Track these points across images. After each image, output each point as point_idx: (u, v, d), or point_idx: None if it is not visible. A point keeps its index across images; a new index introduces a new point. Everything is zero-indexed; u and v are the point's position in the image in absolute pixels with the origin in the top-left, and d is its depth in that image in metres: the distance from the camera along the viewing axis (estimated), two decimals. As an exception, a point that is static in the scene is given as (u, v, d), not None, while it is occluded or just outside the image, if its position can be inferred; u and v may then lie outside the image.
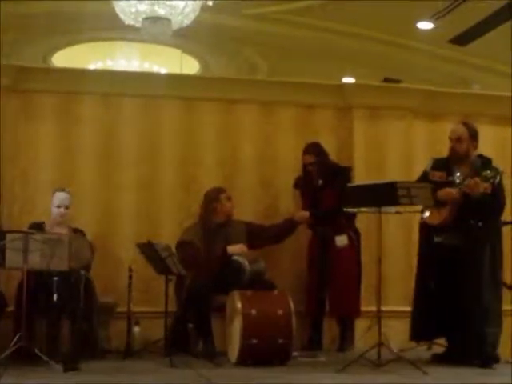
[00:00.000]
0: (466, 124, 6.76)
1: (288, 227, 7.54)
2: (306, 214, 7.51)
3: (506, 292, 7.07)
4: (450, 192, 6.52)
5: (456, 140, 6.70)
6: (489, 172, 6.35)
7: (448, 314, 6.56)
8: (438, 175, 6.66)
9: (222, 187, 7.48)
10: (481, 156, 6.74)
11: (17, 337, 6.08)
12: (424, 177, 6.75)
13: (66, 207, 7.08)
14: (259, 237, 7.43)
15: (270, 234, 7.49)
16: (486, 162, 6.65)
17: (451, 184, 6.59)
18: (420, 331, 6.77)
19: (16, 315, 6.42)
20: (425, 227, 6.76)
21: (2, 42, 13.48)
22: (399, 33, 13.08)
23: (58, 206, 7.06)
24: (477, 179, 6.34)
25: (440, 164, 6.78)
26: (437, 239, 6.62)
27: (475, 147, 6.73)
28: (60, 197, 7.07)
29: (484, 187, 6.30)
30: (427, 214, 6.69)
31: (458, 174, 6.63)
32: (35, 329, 6.62)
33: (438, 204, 6.54)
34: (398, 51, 13.69)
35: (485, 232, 6.53)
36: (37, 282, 6.33)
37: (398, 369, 6.12)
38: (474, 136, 6.72)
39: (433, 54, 13.66)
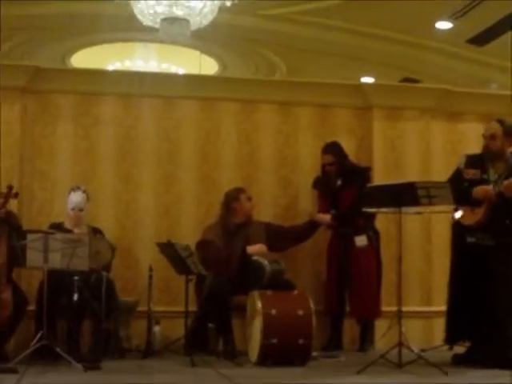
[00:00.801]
0: (500, 121, 6.61)
1: (308, 229, 7.53)
2: (327, 217, 7.49)
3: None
4: (487, 190, 6.41)
5: (490, 137, 6.57)
6: None
7: (476, 315, 6.49)
8: (471, 173, 6.54)
9: (242, 187, 7.48)
10: None
11: (38, 336, 6.11)
12: (457, 174, 6.62)
13: (80, 209, 7.06)
14: (279, 238, 7.42)
15: (289, 236, 7.49)
16: None
17: (486, 182, 6.49)
18: (455, 333, 6.67)
19: (37, 314, 6.43)
20: (457, 227, 6.64)
21: (21, 43, 13.59)
22: (418, 33, 13.03)
23: (72, 209, 7.06)
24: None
25: (474, 161, 6.64)
26: (470, 239, 6.52)
27: (510, 144, 6.60)
28: (74, 199, 7.05)
29: None
30: (460, 213, 6.59)
31: (493, 171, 6.52)
32: (56, 328, 6.64)
33: (472, 203, 6.45)
34: (417, 51, 13.65)
35: None
36: (58, 281, 6.35)
37: (419, 369, 6.10)
38: (509, 133, 6.57)
39: (451, 53, 13.61)
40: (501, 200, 6.37)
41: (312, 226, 7.53)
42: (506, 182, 6.33)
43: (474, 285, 6.47)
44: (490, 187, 6.42)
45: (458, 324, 6.62)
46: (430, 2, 11.60)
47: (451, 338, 6.73)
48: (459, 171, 6.64)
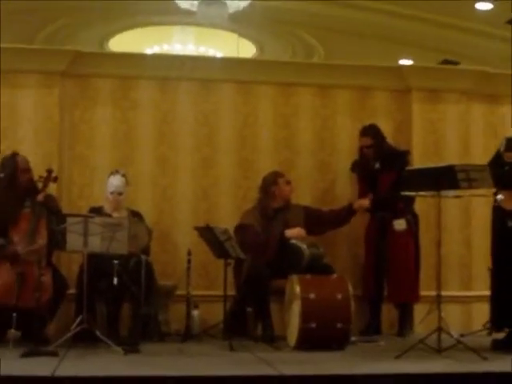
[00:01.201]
0: None
1: (346, 214, 7.50)
2: (366, 202, 7.45)
3: None
4: None
5: None
6: None
7: None
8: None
9: (280, 171, 7.47)
10: None
11: (78, 319, 6.17)
12: (497, 157, 6.57)
13: (119, 193, 7.12)
14: (318, 222, 7.40)
15: (328, 220, 7.46)
16: None
17: None
18: (501, 320, 6.58)
19: (77, 298, 6.51)
20: (498, 211, 6.58)
21: (60, 27, 13.66)
22: (457, 14, 12.90)
23: (112, 193, 7.11)
24: None
25: None
26: (510, 224, 6.47)
27: None
28: (113, 182, 7.11)
29: None
30: (501, 197, 6.54)
31: None
32: (96, 311, 6.72)
33: None
34: (456, 33, 13.51)
35: None
36: (97, 265, 6.40)
37: (458, 354, 6.05)
38: None
39: (491, 35, 13.45)
40: None
41: (350, 211, 7.49)
42: None
43: None
44: None
45: (503, 310, 6.55)
46: (470, -18, 11.51)
47: (497, 325, 6.66)
48: (499, 154, 6.57)
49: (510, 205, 6.46)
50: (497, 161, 6.53)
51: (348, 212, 7.50)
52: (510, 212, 6.47)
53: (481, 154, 7.69)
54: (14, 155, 6.76)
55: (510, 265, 6.43)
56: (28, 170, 6.77)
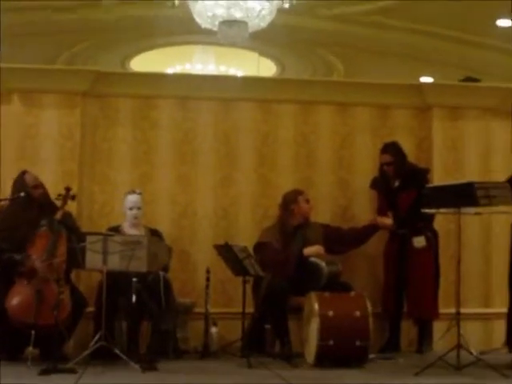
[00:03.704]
0: None
1: (368, 232, 7.49)
2: (389, 221, 7.44)
3: None
4: None
5: None
6: None
7: None
8: None
9: (300, 189, 7.48)
10: None
11: (97, 336, 6.19)
12: None
13: (139, 208, 7.19)
14: (337, 241, 7.38)
15: (348, 239, 7.44)
16: None
17: None
18: None
19: (96, 315, 6.54)
20: None
21: (83, 49, 13.77)
22: (478, 31, 12.84)
23: (131, 208, 7.17)
24: None
25: None
26: None
27: None
28: (132, 199, 7.18)
29: None
30: None
31: None
32: (115, 329, 6.74)
33: None
34: (477, 50, 13.46)
35: None
36: (116, 282, 6.42)
37: (478, 372, 6.02)
38: None
39: (512, 51, 13.41)
40: None
41: (372, 230, 7.48)
42: None
43: None
44: None
45: None
46: (490, -1, 11.46)
47: None
48: None
49: None
50: None
51: (369, 231, 7.48)
52: None
53: (502, 172, 7.63)
54: (23, 173, 6.83)
55: None
56: (38, 185, 6.81)
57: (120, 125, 7.82)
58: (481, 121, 8.16)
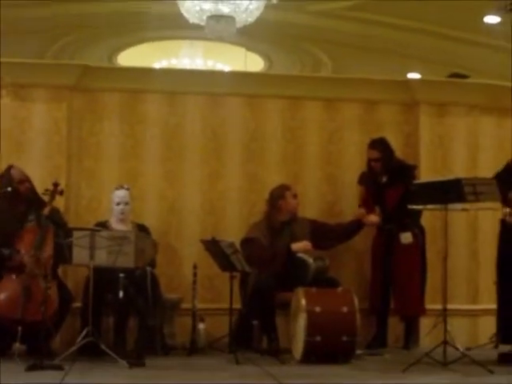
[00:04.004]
0: None
1: (354, 228, 7.49)
2: (376, 218, 7.44)
3: None
4: None
5: None
6: None
7: None
8: None
9: (287, 184, 7.47)
10: None
11: (84, 332, 6.18)
12: (506, 170, 6.56)
13: (126, 203, 7.17)
14: (324, 236, 7.38)
15: (335, 234, 7.45)
16: None
17: None
18: (508, 332, 6.58)
19: (83, 311, 6.53)
20: (505, 224, 6.58)
21: (70, 42, 13.73)
22: (465, 27, 12.87)
23: (118, 204, 7.15)
24: None
25: None
26: None
27: None
28: (119, 194, 7.16)
29: None
30: (507, 209, 6.52)
31: None
32: (102, 325, 6.73)
33: None
34: (465, 46, 13.50)
35: None
36: (103, 278, 6.40)
37: (464, 368, 6.04)
38: None
39: (500, 48, 13.42)
40: None
41: (358, 226, 7.48)
42: None
43: None
44: None
45: (509, 324, 6.53)
46: (478, -5, 11.50)
47: (503, 339, 6.65)
48: (509, 166, 6.55)
49: None
50: (505, 173, 6.51)
51: (355, 227, 7.49)
52: None
53: (489, 168, 7.64)
54: (9, 168, 6.80)
55: None
56: (25, 180, 6.78)
57: (107, 119, 7.79)
58: (468, 117, 8.17)
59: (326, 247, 7.41)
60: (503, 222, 6.65)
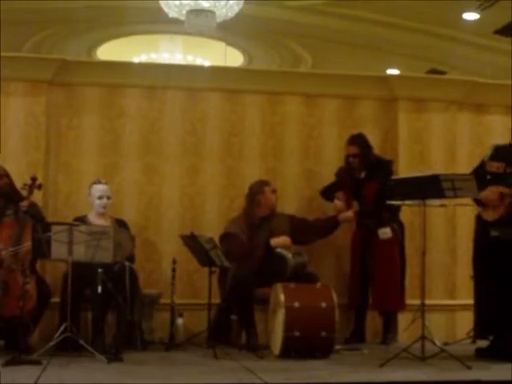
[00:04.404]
0: None
1: (332, 224, 7.50)
2: (350, 214, 7.45)
3: None
4: (489, 196, 6.41)
5: None
6: None
7: (502, 309, 6.43)
8: (495, 166, 6.47)
9: (266, 180, 7.47)
10: None
11: (62, 328, 6.16)
12: (481, 167, 6.60)
13: (108, 197, 7.15)
14: (303, 232, 7.39)
15: (313, 230, 7.45)
16: None
17: (509, 176, 6.45)
18: (485, 328, 6.62)
19: (61, 306, 6.51)
20: (481, 220, 6.60)
21: (49, 36, 13.67)
22: (444, 24, 12.95)
23: (100, 197, 7.12)
24: None
25: (502, 152, 6.56)
26: (494, 233, 6.45)
27: None
28: (100, 188, 7.13)
29: None
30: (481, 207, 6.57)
31: None
32: (80, 320, 6.71)
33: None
34: (444, 42, 13.56)
35: None
36: (81, 273, 6.38)
37: (442, 363, 6.07)
38: None
39: (478, 45, 13.51)
40: None
41: (335, 223, 7.49)
42: None
43: (499, 279, 6.42)
44: (499, 191, 6.35)
45: (486, 319, 6.58)
46: (456, -7, 11.57)
47: (481, 333, 6.70)
48: (483, 163, 6.58)
49: (490, 216, 6.48)
50: (480, 170, 6.54)
51: (333, 223, 7.50)
52: (491, 222, 6.48)
53: (467, 164, 7.69)
54: None
55: (492, 273, 6.46)
56: (3, 174, 6.75)
57: (86, 114, 7.76)
58: (446, 113, 8.21)
59: (305, 242, 7.42)
60: (479, 218, 6.68)
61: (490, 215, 6.48)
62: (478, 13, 12.46)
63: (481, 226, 6.62)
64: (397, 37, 13.38)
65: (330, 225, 7.49)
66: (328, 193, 7.66)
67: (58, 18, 12.74)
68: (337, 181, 7.69)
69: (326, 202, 7.80)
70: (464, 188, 6.23)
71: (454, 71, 13.66)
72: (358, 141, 7.60)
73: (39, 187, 6.72)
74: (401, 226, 7.55)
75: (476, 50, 13.65)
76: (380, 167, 7.50)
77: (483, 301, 6.56)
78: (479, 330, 6.67)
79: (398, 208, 7.42)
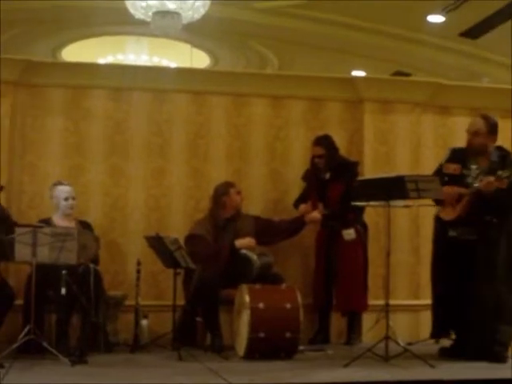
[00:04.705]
0: (485, 117, 6.63)
1: (297, 225, 7.51)
2: (317, 215, 7.46)
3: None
4: (449, 193, 6.48)
5: (473, 133, 6.59)
6: (502, 172, 6.25)
7: (461, 308, 6.52)
8: (452, 168, 6.56)
9: (231, 181, 7.48)
10: (500, 148, 6.64)
11: (25, 330, 6.11)
12: (440, 169, 6.67)
13: (73, 198, 7.12)
14: (268, 232, 7.39)
15: (278, 230, 7.46)
16: (504, 155, 6.57)
17: (465, 178, 6.54)
18: (440, 327, 6.72)
19: (25, 308, 6.46)
20: (439, 220, 6.67)
21: (13, 37, 13.56)
22: (410, 26, 13.03)
23: (66, 199, 7.08)
24: (490, 178, 6.28)
25: (458, 155, 6.66)
26: (452, 233, 6.55)
27: (494, 140, 6.62)
28: (66, 189, 7.10)
29: (497, 185, 6.24)
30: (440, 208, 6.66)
31: (475, 167, 6.57)
32: (44, 322, 6.66)
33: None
34: (409, 45, 13.65)
35: (500, 227, 6.45)
36: (45, 275, 6.34)
37: (406, 362, 6.11)
38: (492, 129, 6.60)
39: (443, 47, 13.61)
40: (480, 196, 6.37)
41: (301, 223, 7.50)
42: (484, 180, 6.34)
43: (457, 279, 6.52)
44: (457, 189, 6.43)
45: (442, 318, 6.67)
46: (421, -5, 11.64)
47: (436, 333, 6.78)
48: (441, 166, 6.68)
49: (448, 216, 6.56)
50: (439, 172, 6.63)
51: (298, 224, 7.51)
52: (449, 222, 6.56)
53: (431, 165, 7.69)
54: None
55: (450, 274, 6.56)
56: None
57: (51, 115, 7.72)
58: (411, 115, 8.26)
59: (270, 243, 7.42)
60: (437, 218, 6.75)
61: (448, 215, 6.54)
62: (443, 15, 12.55)
63: (439, 226, 6.70)
64: (362, 39, 13.44)
65: (296, 226, 7.50)
66: (299, 203, 7.67)
67: (23, 19, 12.65)
68: (304, 190, 7.70)
69: (291, 203, 7.82)
70: (428, 189, 6.31)
71: (418, 73, 13.75)
72: (324, 142, 7.63)
73: (1, 189, 6.64)
74: (364, 226, 7.59)
75: (441, 53, 13.74)
76: (345, 169, 7.54)
77: (440, 301, 6.65)
78: (436, 330, 6.75)
79: (361, 209, 7.45)
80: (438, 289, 6.68)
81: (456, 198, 6.49)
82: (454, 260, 6.53)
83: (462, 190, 6.47)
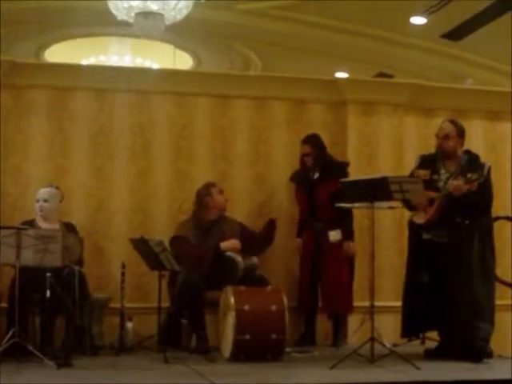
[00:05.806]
0: (453, 122, 6.80)
1: (269, 230, 7.40)
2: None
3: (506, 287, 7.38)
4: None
5: (443, 138, 6.72)
6: (472, 174, 6.34)
7: (439, 310, 6.58)
8: (421, 174, 6.64)
9: (212, 182, 7.46)
10: (468, 152, 6.77)
11: (10, 333, 6.08)
12: (412, 174, 6.76)
13: (45, 200, 7.06)
14: (250, 242, 7.30)
15: (259, 241, 7.37)
16: (473, 158, 6.69)
17: (435, 182, 6.63)
18: (410, 327, 6.80)
19: (9, 311, 6.42)
20: (413, 224, 6.79)
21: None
22: (392, 28, 13.07)
23: (37, 201, 7.07)
24: (459, 182, 6.36)
25: (428, 160, 6.80)
26: (425, 236, 6.67)
27: (462, 144, 6.78)
28: (41, 191, 7.09)
29: (467, 188, 6.32)
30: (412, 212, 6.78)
31: (444, 171, 6.66)
32: (28, 325, 6.63)
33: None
34: (391, 46, 13.69)
35: (472, 229, 6.55)
36: (30, 277, 6.31)
37: (391, 364, 6.13)
38: (461, 134, 6.76)
39: (426, 48, 13.66)
40: (450, 199, 6.46)
41: (271, 226, 7.41)
42: (454, 183, 6.43)
43: (431, 280, 6.62)
44: (426, 194, 6.51)
45: (412, 319, 6.75)
46: (404, -3, 11.67)
47: (406, 333, 6.86)
48: (412, 172, 6.76)
49: (420, 219, 6.67)
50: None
51: (270, 228, 7.41)
52: (422, 226, 6.67)
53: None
54: None
55: (422, 276, 6.67)
56: None
57: (34, 116, 7.68)
58: (394, 116, 8.29)
59: (253, 253, 7.29)
60: (411, 223, 6.86)
61: (420, 219, 6.65)
62: (426, 17, 12.60)
63: (413, 230, 6.83)
64: (345, 41, 13.47)
65: (268, 232, 7.41)
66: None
67: (6, 20, 12.57)
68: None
69: (276, 206, 7.85)
70: (411, 190, 6.36)
71: (401, 75, 13.79)
72: (312, 140, 7.63)
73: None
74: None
75: (423, 54, 13.79)
76: (334, 168, 7.53)
77: (410, 301, 6.75)
78: (404, 330, 6.81)
79: (349, 213, 7.44)
80: (409, 290, 6.79)
81: (428, 203, 6.56)
82: (428, 262, 6.64)
83: (434, 194, 6.55)
